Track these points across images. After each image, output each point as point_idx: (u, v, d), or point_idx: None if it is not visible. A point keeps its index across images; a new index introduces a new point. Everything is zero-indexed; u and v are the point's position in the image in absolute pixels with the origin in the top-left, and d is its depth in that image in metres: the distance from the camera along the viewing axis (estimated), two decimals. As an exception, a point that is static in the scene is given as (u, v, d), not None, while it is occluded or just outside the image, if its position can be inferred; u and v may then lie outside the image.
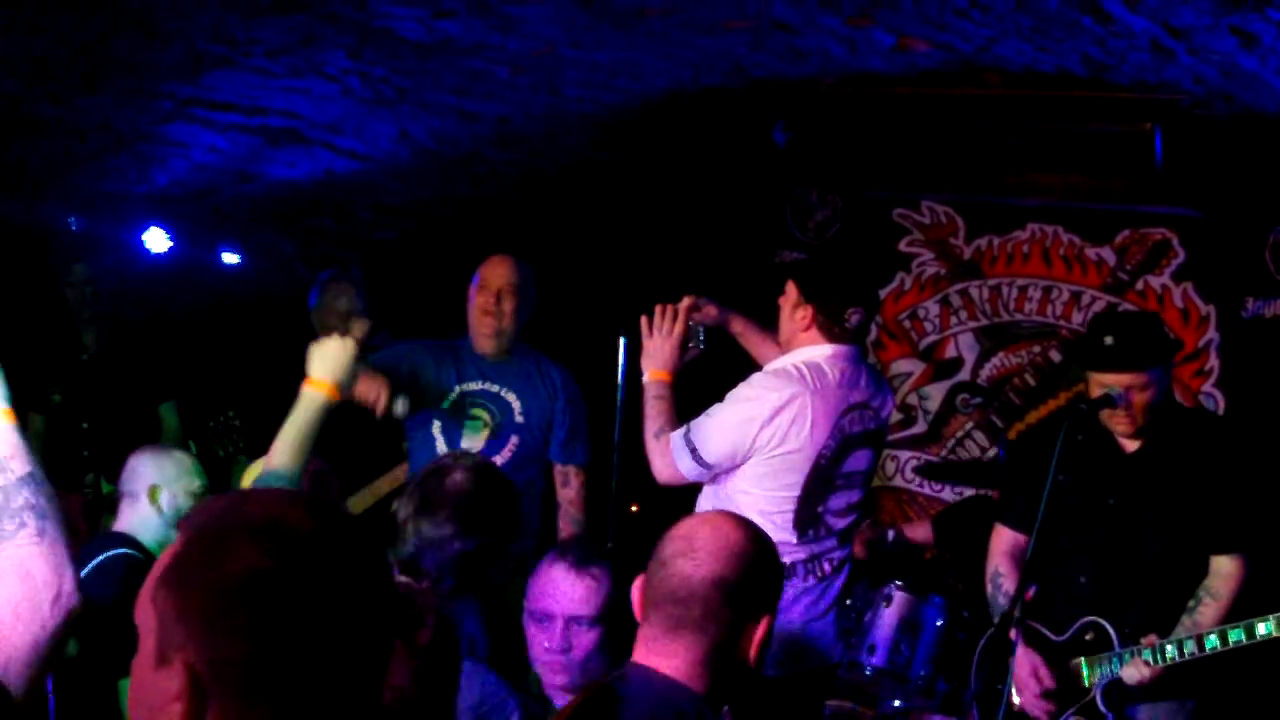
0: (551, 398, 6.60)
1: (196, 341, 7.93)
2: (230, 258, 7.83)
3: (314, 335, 7.37)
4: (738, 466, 5.41)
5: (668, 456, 5.47)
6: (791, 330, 5.61)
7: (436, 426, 6.53)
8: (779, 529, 5.33)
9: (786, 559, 5.25)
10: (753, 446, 5.35)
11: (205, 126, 6.29)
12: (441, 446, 6.48)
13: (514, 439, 6.53)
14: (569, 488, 6.64)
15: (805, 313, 5.55)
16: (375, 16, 5.15)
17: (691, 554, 3.12)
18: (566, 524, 6.62)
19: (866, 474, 5.68)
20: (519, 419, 6.55)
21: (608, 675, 3.34)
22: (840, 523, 5.60)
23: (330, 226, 8.26)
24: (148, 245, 7.28)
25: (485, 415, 6.56)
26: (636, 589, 3.23)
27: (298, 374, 7.55)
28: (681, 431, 5.46)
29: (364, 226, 8.36)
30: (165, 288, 7.79)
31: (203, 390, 7.58)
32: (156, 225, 7.25)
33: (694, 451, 5.41)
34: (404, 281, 8.27)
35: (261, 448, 7.23)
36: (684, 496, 5.77)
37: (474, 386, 6.56)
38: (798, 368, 5.45)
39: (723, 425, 5.40)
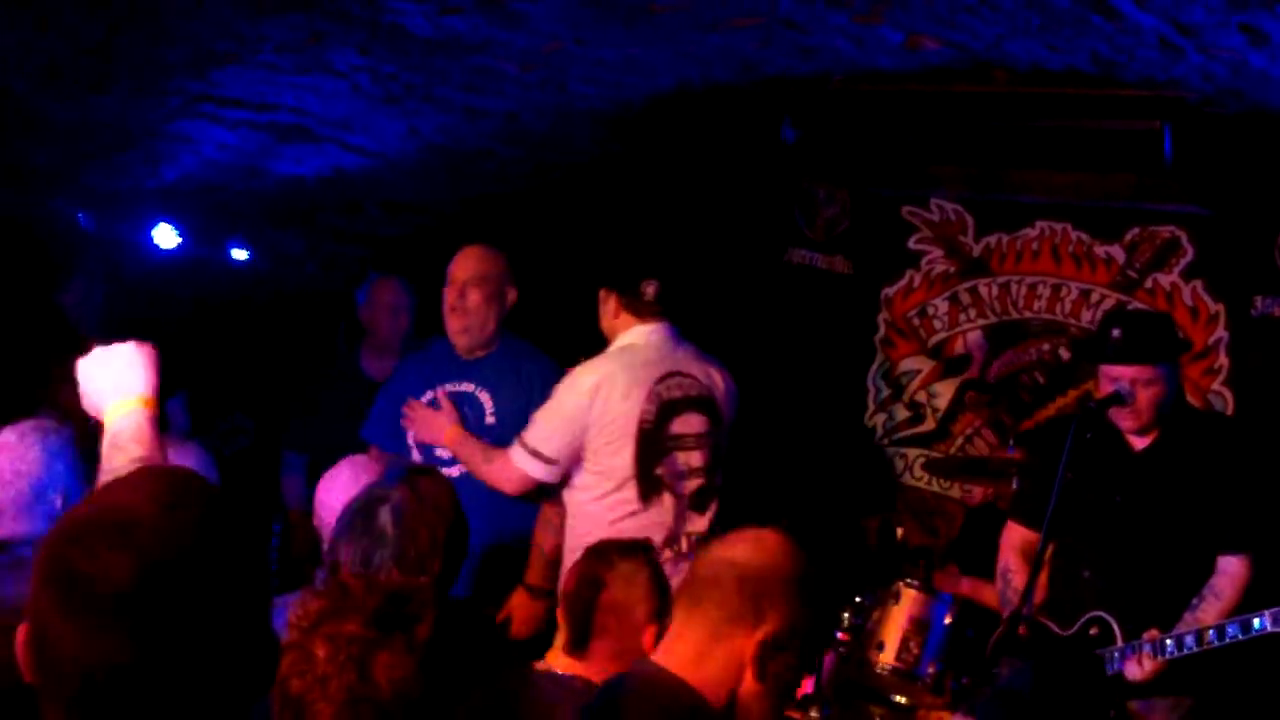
0: (525, 394, 6.28)
1: (205, 339, 7.92)
2: (239, 254, 7.83)
3: (360, 329, 7.43)
4: (581, 456, 5.94)
5: (509, 468, 5.93)
6: (608, 324, 6.18)
7: (411, 436, 6.38)
8: (626, 499, 5.90)
9: (644, 534, 5.57)
10: (587, 429, 5.89)
11: (214, 123, 6.29)
12: (416, 456, 6.32)
13: (485, 442, 6.21)
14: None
15: (611, 301, 6.14)
16: (383, 12, 5.15)
17: (731, 541, 3.23)
18: (543, 530, 6.19)
19: (703, 436, 6.12)
20: (489, 420, 6.30)
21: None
22: (686, 486, 6.06)
23: (339, 223, 8.26)
24: (156, 241, 7.28)
25: (459, 418, 6.29)
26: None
27: (307, 371, 7.58)
28: (516, 443, 5.93)
29: (373, 223, 8.36)
30: (174, 285, 7.79)
31: (210, 388, 7.58)
32: (165, 221, 7.26)
33: (536, 454, 5.88)
34: (413, 278, 8.29)
35: (270, 446, 7.25)
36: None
37: (449, 388, 6.36)
38: (608, 353, 6.08)
39: (555, 421, 5.92)
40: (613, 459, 5.92)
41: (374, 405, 6.60)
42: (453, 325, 6.31)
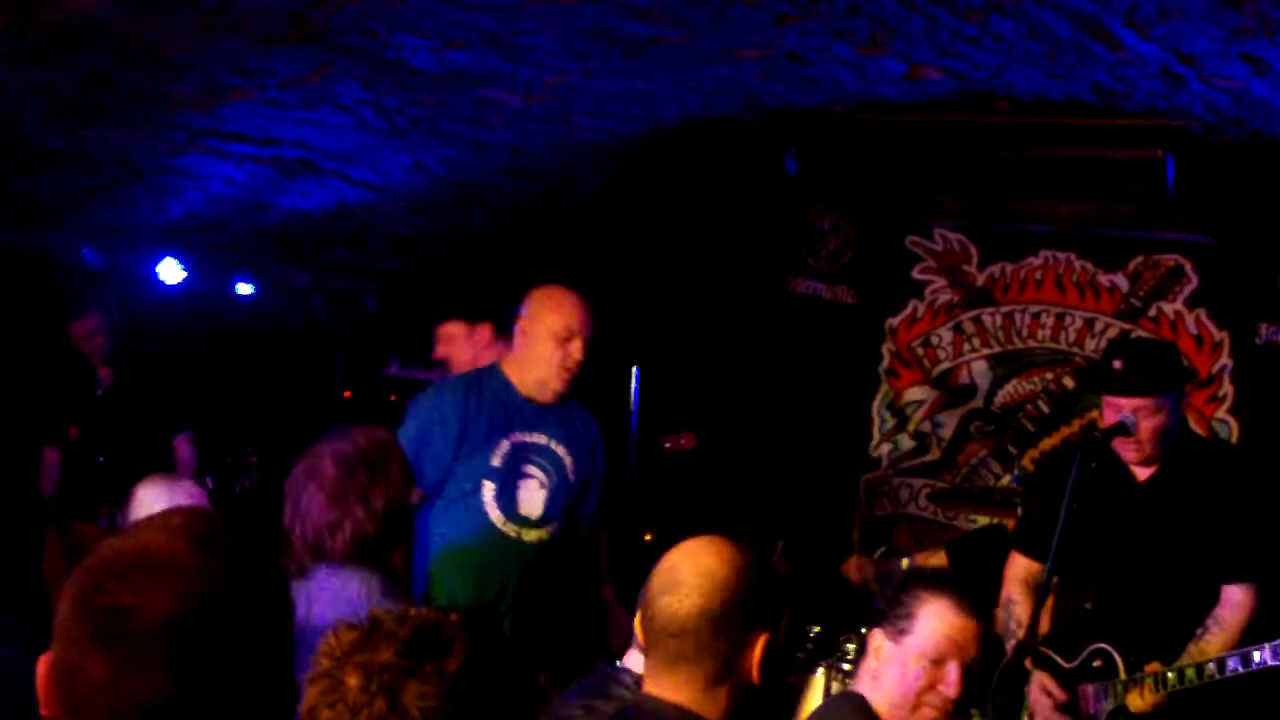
0: (592, 452, 5.94)
1: (211, 373, 7.94)
2: (244, 289, 7.85)
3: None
4: None
5: None
6: (472, 354, 6.57)
7: (489, 491, 5.68)
8: None
9: None
10: None
11: (219, 157, 6.31)
12: (495, 514, 5.65)
13: (564, 501, 5.81)
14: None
15: (483, 331, 6.62)
16: (387, 47, 5.18)
17: (675, 589, 3.17)
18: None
19: None
20: (571, 478, 5.81)
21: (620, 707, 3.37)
22: None
23: (344, 257, 8.28)
24: (162, 277, 7.30)
25: (540, 475, 5.75)
26: (637, 622, 3.28)
27: (314, 406, 7.59)
28: None
29: (378, 256, 8.38)
30: (180, 319, 7.81)
31: (218, 423, 7.59)
32: (171, 256, 7.28)
33: None
34: (418, 311, 8.31)
35: (277, 482, 7.24)
36: (697, 525, 5.79)
37: (526, 438, 5.75)
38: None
39: None
40: None
41: (413, 435, 5.65)
42: (561, 380, 5.72)
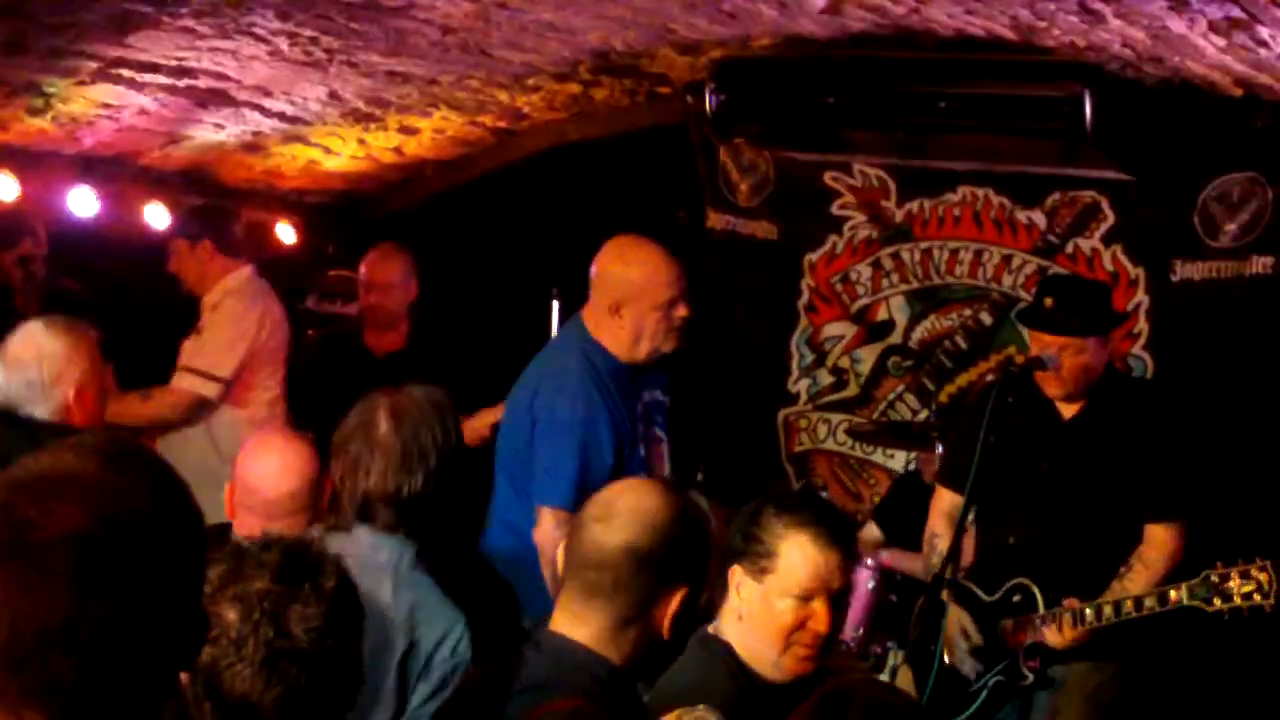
0: None
1: (122, 306, 7.83)
2: (158, 220, 7.73)
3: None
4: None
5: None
6: (201, 268, 6.90)
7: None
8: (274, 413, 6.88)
9: None
10: (256, 354, 6.81)
11: (132, 87, 6.22)
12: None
13: None
14: None
15: (204, 247, 6.86)
16: (303, -24, 5.12)
17: (608, 520, 3.16)
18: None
19: None
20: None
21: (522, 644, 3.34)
22: None
23: (261, 189, 8.21)
24: (74, 208, 7.19)
25: (660, 433, 5.75)
26: (561, 548, 3.25)
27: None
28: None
29: (294, 190, 8.31)
30: (93, 250, 7.70)
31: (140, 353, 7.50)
32: (83, 187, 7.17)
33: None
34: (333, 243, 8.28)
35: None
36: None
37: (641, 407, 5.66)
38: (242, 288, 6.91)
39: (232, 344, 6.75)
40: (273, 377, 6.92)
41: (574, 466, 5.39)
42: (673, 341, 5.63)
